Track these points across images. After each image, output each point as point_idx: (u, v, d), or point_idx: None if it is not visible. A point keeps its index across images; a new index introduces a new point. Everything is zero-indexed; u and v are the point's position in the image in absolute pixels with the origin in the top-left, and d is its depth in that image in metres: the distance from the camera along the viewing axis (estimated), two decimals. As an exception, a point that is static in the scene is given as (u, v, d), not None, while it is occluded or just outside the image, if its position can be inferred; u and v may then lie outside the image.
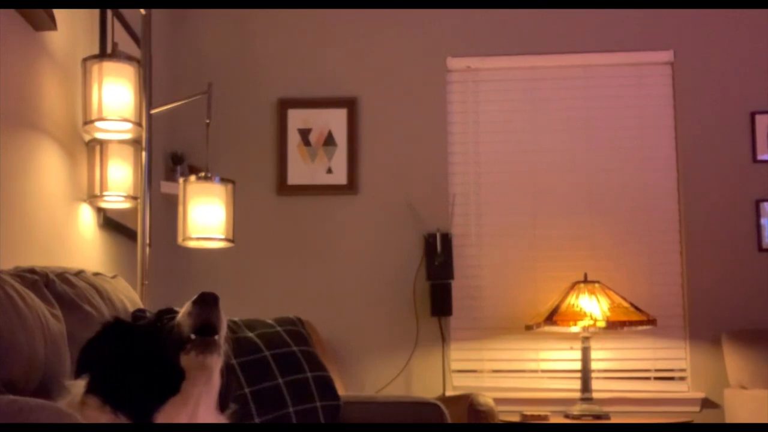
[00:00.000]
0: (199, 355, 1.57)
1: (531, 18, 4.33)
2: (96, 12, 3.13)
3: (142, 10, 3.20)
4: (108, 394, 1.56)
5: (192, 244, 3.29)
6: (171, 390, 1.57)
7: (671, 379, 4.18)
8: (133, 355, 1.62)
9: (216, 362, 1.60)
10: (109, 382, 1.58)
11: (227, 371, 1.71)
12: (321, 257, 4.29)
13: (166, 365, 1.57)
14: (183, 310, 1.60)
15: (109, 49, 3.01)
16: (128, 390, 1.56)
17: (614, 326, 3.83)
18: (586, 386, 3.83)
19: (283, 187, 4.32)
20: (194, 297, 1.59)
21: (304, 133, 4.35)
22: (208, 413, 1.63)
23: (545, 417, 3.66)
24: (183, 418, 1.58)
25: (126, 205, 3.10)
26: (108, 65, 2.80)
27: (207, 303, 1.59)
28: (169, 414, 1.56)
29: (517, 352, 4.22)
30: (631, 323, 3.84)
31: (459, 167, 4.36)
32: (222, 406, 1.70)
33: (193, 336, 1.57)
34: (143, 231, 3.12)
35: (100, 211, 3.15)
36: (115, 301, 2.26)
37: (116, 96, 2.79)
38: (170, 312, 1.67)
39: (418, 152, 4.32)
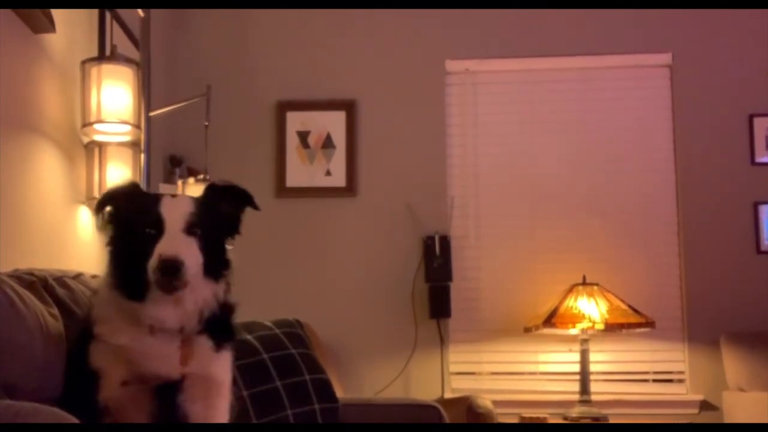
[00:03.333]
0: (163, 291, 1.65)
1: (529, 20, 4.34)
2: (94, 14, 3.13)
3: (141, 12, 3.21)
4: (115, 275, 1.69)
5: (191, 246, 3.28)
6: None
7: (670, 381, 4.18)
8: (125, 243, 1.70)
9: (181, 294, 1.67)
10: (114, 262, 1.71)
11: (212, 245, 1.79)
12: (320, 259, 4.28)
13: (140, 277, 1.64)
14: (151, 266, 1.62)
15: (107, 52, 3.01)
16: (123, 273, 1.68)
17: (613, 328, 3.83)
18: (584, 388, 3.83)
19: (281, 190, 4.32)
20: (157, 263, 1.61)
21: (303, 136, 4.35)
22: (196, 291, 1.71)
23: (544, 419, 3.66)
24: (169, 310, 1.67)
25: (125, 207, 3.09)
26: (107, 67, 2.81)
27: (170, 273, 1.62)
28: (155, 301, 1.65)
29: (515, 355, 4.22)
30: (630, 325, 3.83)
31: (457, 170, 4.36)
32: (213, 276, 1.80)
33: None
34: (142, 233, 3.11)
35: (98, 213, 3.14)
36: (113, 304, 2.26)
37: (115, 98, 2.80)
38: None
39: (417, 155, 4.32)
